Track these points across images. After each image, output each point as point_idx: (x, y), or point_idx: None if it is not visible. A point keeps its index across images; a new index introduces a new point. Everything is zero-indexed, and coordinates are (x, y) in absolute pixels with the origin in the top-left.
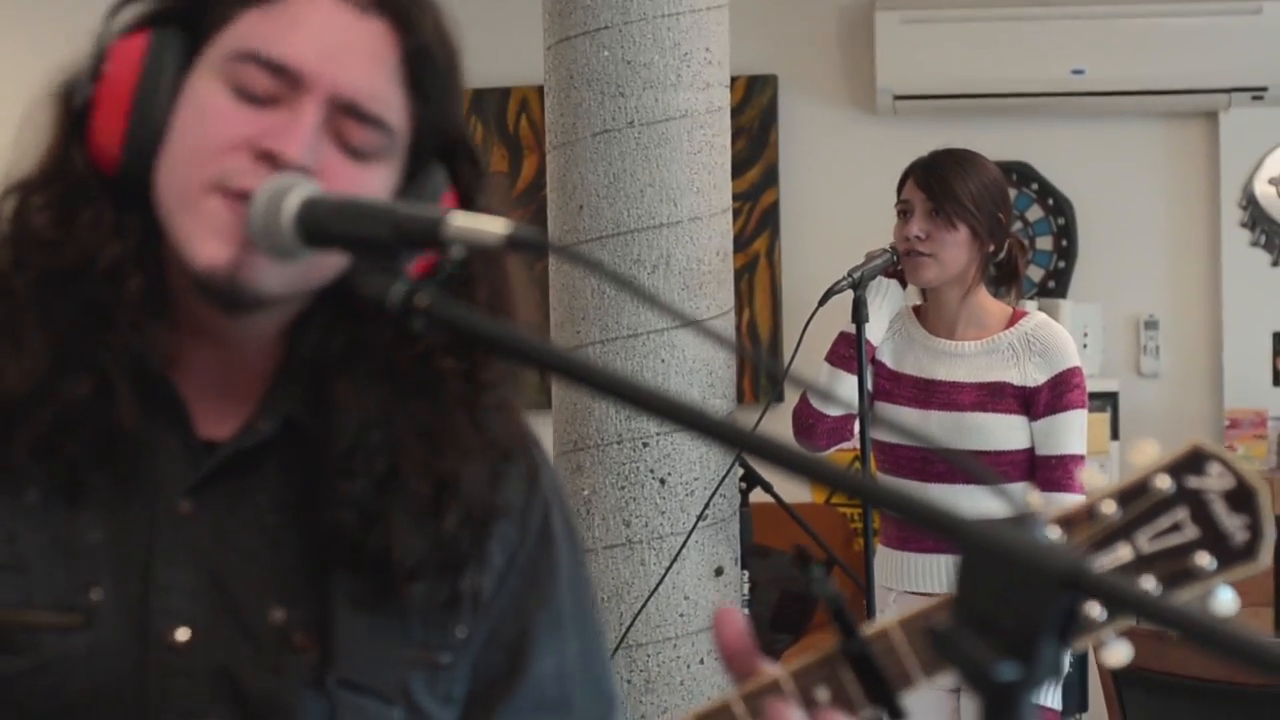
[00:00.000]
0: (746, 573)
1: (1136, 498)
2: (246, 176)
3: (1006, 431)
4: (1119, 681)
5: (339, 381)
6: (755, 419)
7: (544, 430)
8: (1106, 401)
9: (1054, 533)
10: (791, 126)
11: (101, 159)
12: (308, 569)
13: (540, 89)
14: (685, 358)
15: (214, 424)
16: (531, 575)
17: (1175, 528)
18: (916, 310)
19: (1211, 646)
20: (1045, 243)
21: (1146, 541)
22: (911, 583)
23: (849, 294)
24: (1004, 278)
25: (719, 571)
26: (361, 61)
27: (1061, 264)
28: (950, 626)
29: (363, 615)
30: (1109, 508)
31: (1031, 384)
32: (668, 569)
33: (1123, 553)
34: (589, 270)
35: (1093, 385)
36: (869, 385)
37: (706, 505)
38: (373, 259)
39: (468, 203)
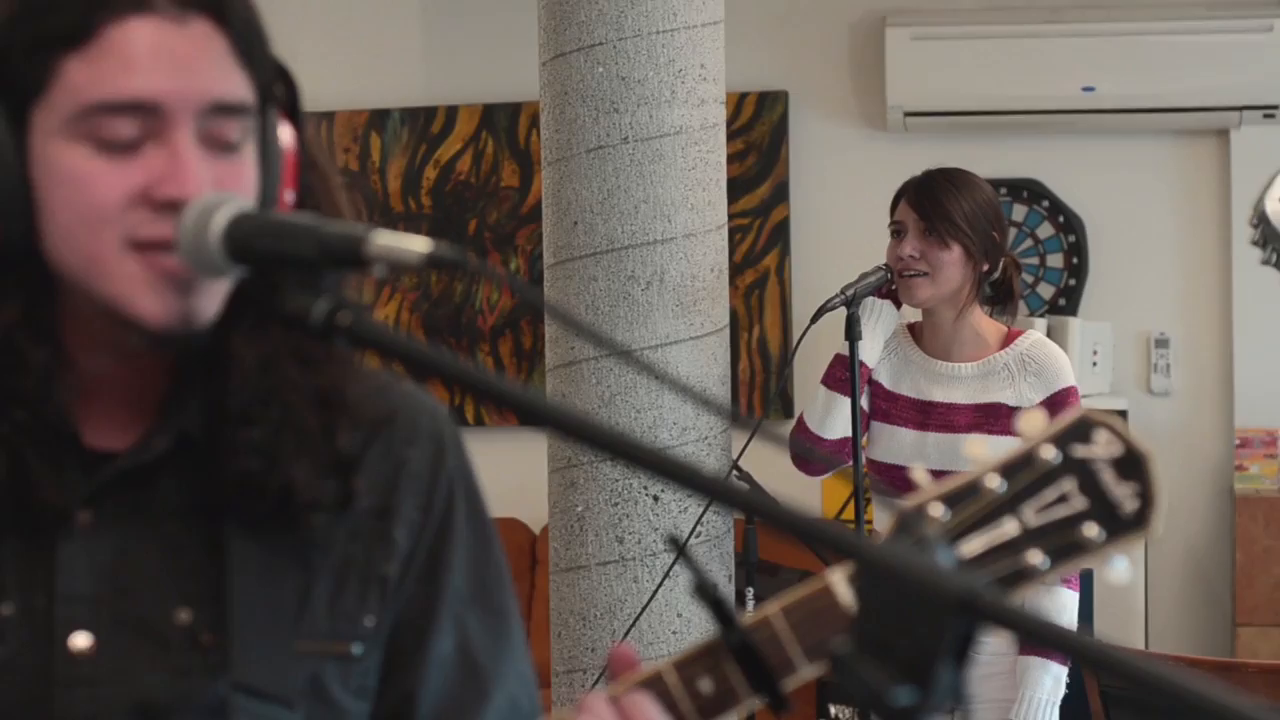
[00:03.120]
0: (751, 590)
1: (1021, 470)
2: (154, 225)
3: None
4: (1107, 701)
5: (233, 337)
6: (749, 438)
7: (538, 446)
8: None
9: (937, 510)
10: (802, 142)
11: None
12: (209, 570)
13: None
14: (679, 375)
15: (109, 433)
16: (434, 554)
17: (1062, 499)
18: (912, 329)
19: (1106, 670)
20: (1056, 260)
21: (1033, 515)
22: None
23: (842, 311)
24: (1000, 296)
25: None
26: (207, 63)
27: (1072, 281)
28: (848, 650)
29: (263, 611)
30: (993, 482)
31: (1026, 405)
32: (659, 585)
33: (1008, 527)
34: (511, 289)
35: (1102, 403)
36: (865, 405)
37: (697, 522)
38: (295, 274)
39: (294, 114)
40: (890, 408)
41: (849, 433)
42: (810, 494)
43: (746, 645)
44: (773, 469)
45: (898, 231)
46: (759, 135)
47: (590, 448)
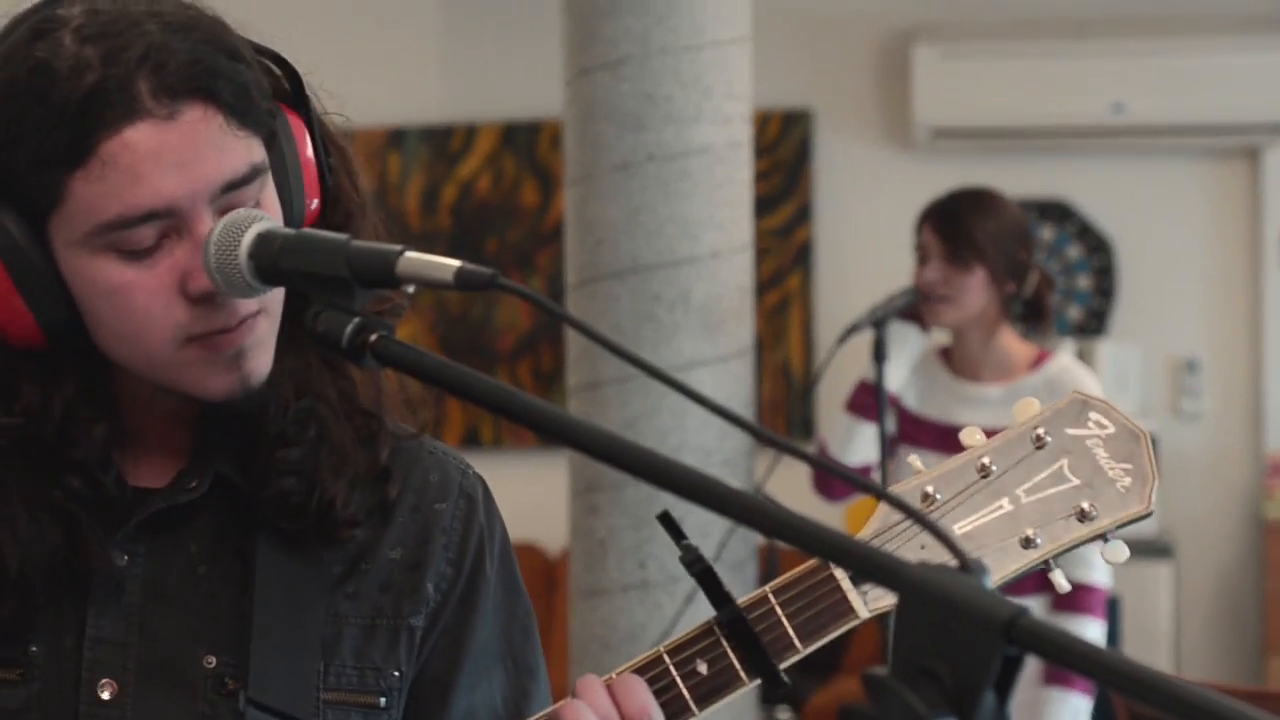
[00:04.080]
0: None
1: (1015, 450)
2: (203, 321)
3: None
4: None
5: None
6: (773, 461)
7: (560, 470)
8: None
9: (930, 489)
10: (826, 161)
11: (23, 342)
12: (237, 616)
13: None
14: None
15: (145, 472)
16: (463, 610)
17: (1056, 477)
18: (944, 352)
19: (1152, 703)
20: (1084, 281)
21: (1025, 494)
22: None
23: (868, 334)
24: (1032, 315)
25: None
26: (206, 151)
27: (1101, 303)
28: (887, 675)
29: (285, 654)
30: (986, 462)
31: None
32: (681, 611)
33: (1001, 507)
34: (538, 306)
35: None
36: (891, 428)
37: (721, 548)
38: (324, 294)
39: (299, 99)
40: (915, 431)
41: (869, 459)
42: (834, 514)
43: (741, 623)
44: (796, 495)
45: (922, 257)
46: (783, 154)
47: (620, 469)
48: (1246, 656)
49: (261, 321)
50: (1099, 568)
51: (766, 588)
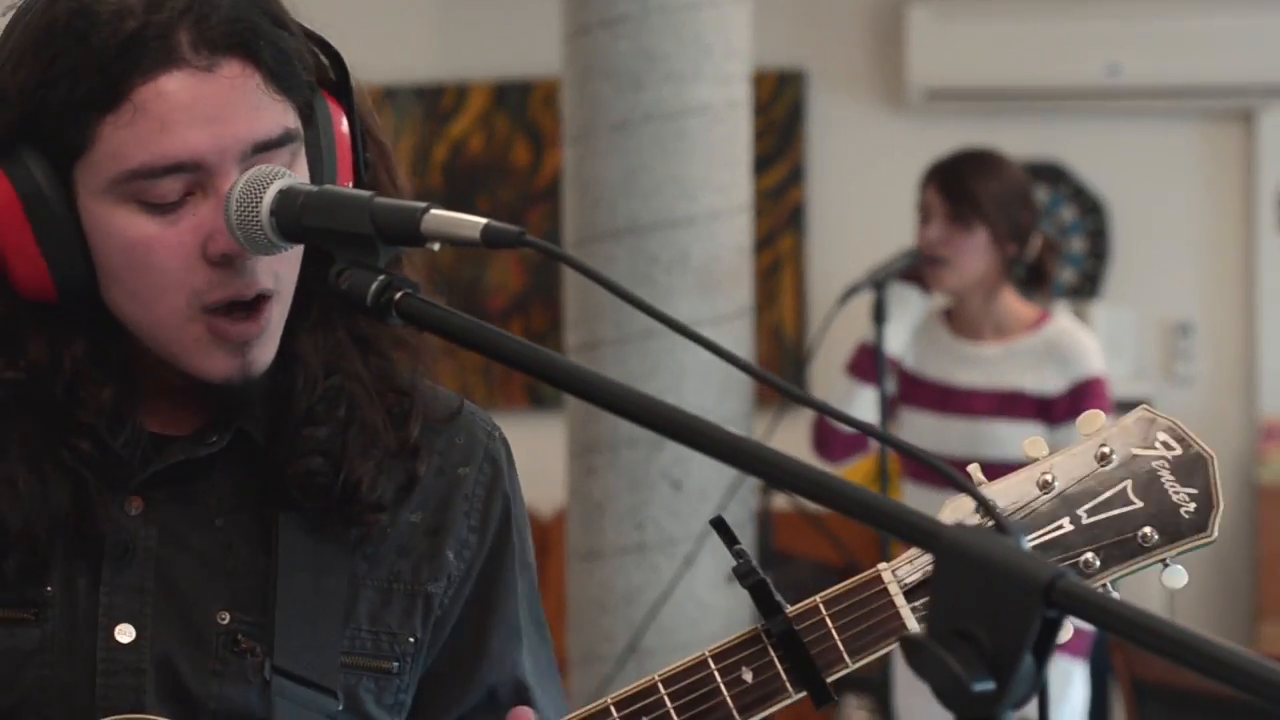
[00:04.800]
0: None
1: (1078, 468)
2: (218, 289)
3: (1022, 441)
4: (1140, 696)
5: (297, 338)
6: (771, 423)
7: (557, 430)
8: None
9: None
10: (820, 123)
11: (34, 294)
12: (256, 570)
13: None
14: (701, 359)
15: (166, 420)
16: (488, 582)
17: (1118, 499)
18: (946, 313)
19: (1203, 670)
20: (1078, 244)
21: (1087, 514)
22: None
23: (868, 295)
24: (1034, 278)
25: (732, 578)
26: (243, 107)
27: (1094, 266)
28: (923, 636)
29: (307, 617)
30: (1048, 478)
31: (1049, 391)
32: (679, 574)
33: (1063, 525)
34: (570, 266)
35: (1124, 391)
36: (891, 390)
37: (721, 509)
38: (348, 252)
39: (343, 90)
40: (914, 392)
41: (875, 421)
42: None
43: (790, 635)
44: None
45: (924, 215)
46: (776, 115)
47: (660, 433)
48: (1239, 621)
49: (273, 308)
50: None
51: (818, 598)
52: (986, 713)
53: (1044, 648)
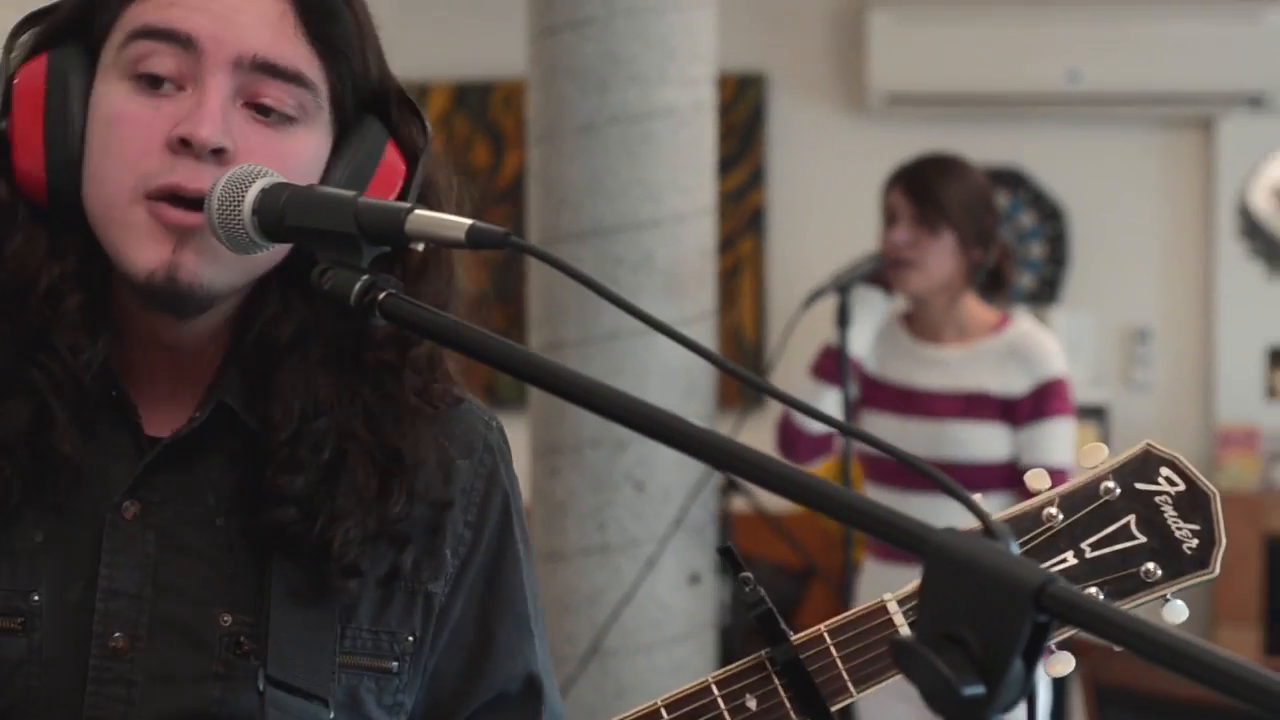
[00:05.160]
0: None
1: (1081, 501)
2: (164, 174)
3: (987, 442)
4: (1102, 700)
5: (283, 368)
6: (735, 426)
7: (519, 431)
8: (1097, 413)
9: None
10: (781, 126)
11: (29, 187)
12: (255, 571)
13: (524, 84)
14: (665, 361)
15: (166, 424)
16: (492, 576)
17: (1121, 533)
18: (905, 317)
19: (1190, 675)
20: (1037, 249)
21: (1090, 548)
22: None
23: (832, 299)
24: (992, 286)
25: (695, 579)
26: (260, 19)
27: (1054, 272)
28: (912, 640)
29: (303, 619)
30: (1051, 510)
31: (1013, 392)
32: (641, 575)
33: (1066, 559)
34: (555, 268)
35: (1083, 396)
36: (854, 393)
37: (684, 512)
38: (332, 252)
39: (411, 154)
40: (875, 395)
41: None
42: None
43: (795, 664)
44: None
45: (889, 219)
46: (737, 118)
47: (659, 440)
48: (1195, 625)
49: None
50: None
51: (822, 626)
52: (975, 716)
53: (1034, 652)
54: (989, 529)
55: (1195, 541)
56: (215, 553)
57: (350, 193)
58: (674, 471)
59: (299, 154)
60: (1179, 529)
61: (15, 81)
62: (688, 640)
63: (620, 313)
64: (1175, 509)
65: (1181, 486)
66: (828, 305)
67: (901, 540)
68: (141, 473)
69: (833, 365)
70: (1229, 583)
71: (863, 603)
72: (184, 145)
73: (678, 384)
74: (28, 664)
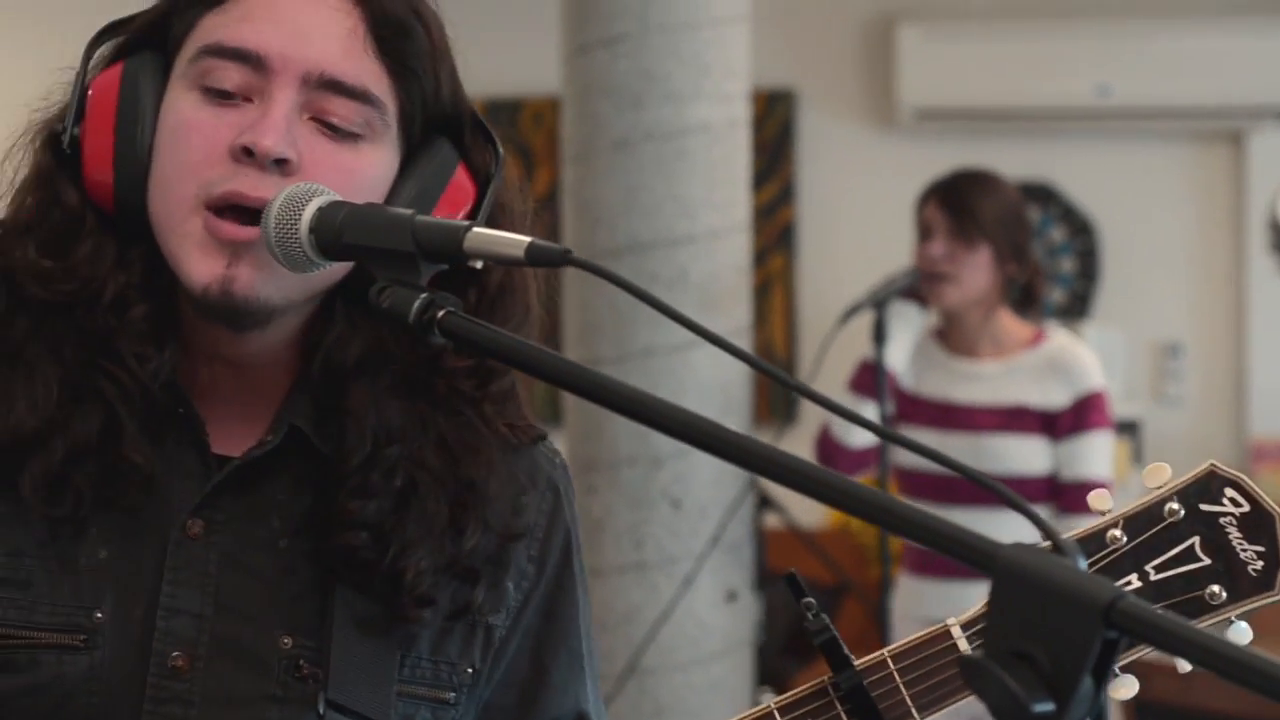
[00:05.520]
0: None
1: (1145, 523)
2: (226, 182)
3: (1028, 455)
4: (1142, 715)
5: (354, 391)
6: (771, 442)
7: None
8: (1129, 428)
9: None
10: (810, 142)
11: (98, 196)
12: (317, 595)
13: (553, 101)
14: (701, 377)
15: (235, 443)
16: (550, 613)
17: (1186, 555)
18: (939, 332)
19: (1265, 691)
20: (1068, 264)
21: (1154, 570)
22: (930, 610)
23: (868, 314)
24: (1024, 302)
25: (732, 596)
26: (329, 36)
27: (1084, 287)
28: (981, 657)
29: (365, 645)
30: (1116, 533)
31: (1054, 406)
32: (679, 593)
33: (1131, 581)
34: (614, 284)
35: (1115, 411)
36: (889, 411)
37: (721, 529)
38: (390, 270)
39: (482, 179)
40: (911, 411)
41: (874, 440)
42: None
43: (858, 690)
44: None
45: (925, 233)
46: (767, 134)
47: (737, 463)
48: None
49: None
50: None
51: (885, 652)
52: None
53: (1103, 669)
54: (1057, 545)
55: (1260, 564)
56: (277, 575)
57: (408, 211)
58: (710, 489)
59: (365, 170)
60: (1244, 551)
61: (90, 91)
62: (725, 658)
63: (656, 329)
64: (1240, 530)
65: (1246, 508)
66: (863, 321)
67: (969, 556)
68: (210, 492)
69: (870, 380)
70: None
71: (899, 618)
72: (246, 154)
73: (714, 400)
74: (89, 681)
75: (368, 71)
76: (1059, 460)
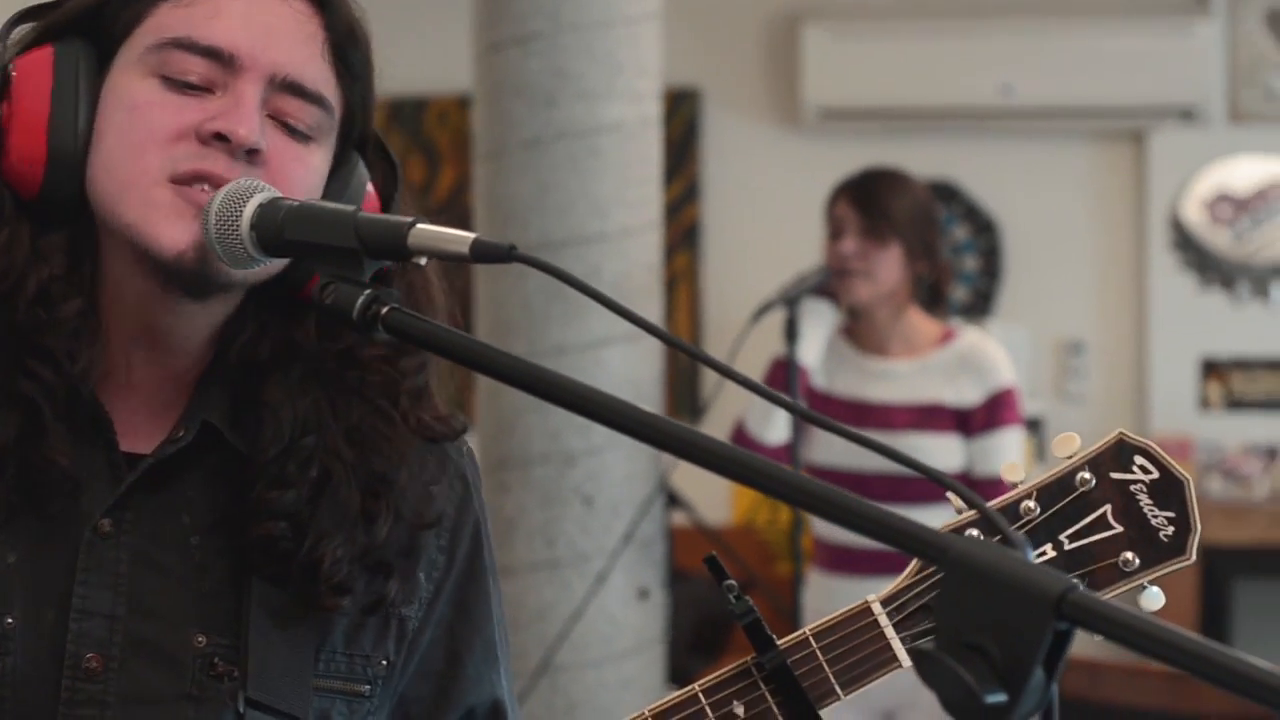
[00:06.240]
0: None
1: (1058, 493)
2: (195, 160)
3: (942, 454)
4: (1062, 712)
5: (268, 385)
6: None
7: None
8: (1032, 425)
9: (973, 532)
10: (715, 141)
11: (18, 181)
12: (231, 592)
13: (459, 99)
14: (613, 374)
15: (141, 438)
16: (462, 602)
17: (1099, 524)
18: (846, 330)
19: (1214, 680)
20: (971, 262)
21: (1068, 540)
22: (841, 606)
23: (779, 312)
24: (932, 300)
25: (644, 594)
26: (294, 39)
27: (987, 285)
28: (933, 649)
29: (282, 641)
30: (1029, 505)
31: (967, 403)
32: (591, 590)
33: (1045, 552)
34: (561, 280)
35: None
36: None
37: (634, 526)
38: (332, 266)
39: (386, 201)
40: (825, 409)
41: (787, 438)
42: (719, 494)
43: (784, 669)
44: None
45: (836, 230)
46: (671, 133)
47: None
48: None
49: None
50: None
51: (807, 630)
52: None
53: (1055, 660)
54: (1006, 537)
55: (1171, 529)
56: (190, 572)
57: (350, 207)
58: (622, 486)
59: (316, 170)
60: (1154, 517)
61: (13, 72)
62: (637, 655)
63: (568, 326)
64: (1150, 497)
65: (1155, 474)
66: (772, 320)
67: (919, 549)
68: (124, 491)
69: (783, 378)
70: (1164, 595)
71: (811, 614)
72: (217, 140)
73: (626, 396)
74: (1, 687)
75: (324, 77)
76: (971, 457)
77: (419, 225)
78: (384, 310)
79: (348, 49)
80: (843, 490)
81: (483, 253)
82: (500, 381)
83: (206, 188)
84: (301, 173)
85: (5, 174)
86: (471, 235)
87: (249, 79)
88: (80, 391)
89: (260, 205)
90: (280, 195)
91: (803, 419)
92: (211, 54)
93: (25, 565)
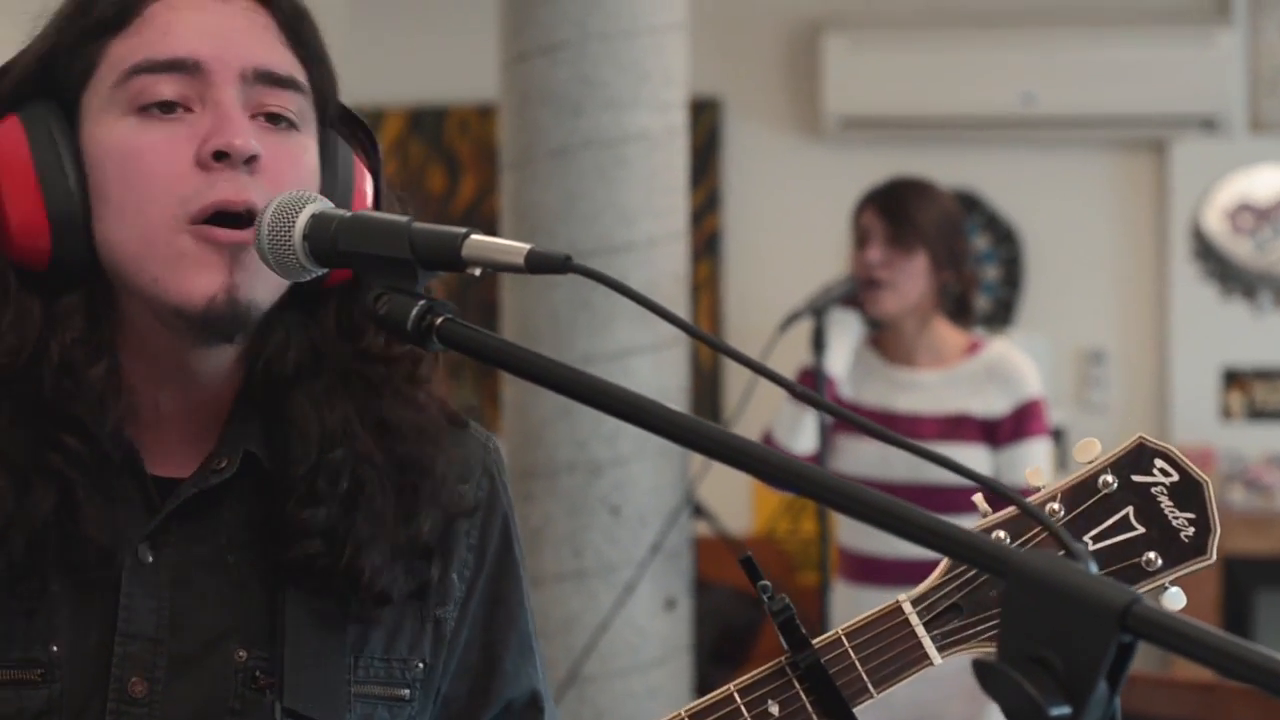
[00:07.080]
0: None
1: (1081, 495)
2: (206, 193)
3: (969, 464)
4: None
5: (294, 400)
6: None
7: None
8: (1054, 435)
9: (998, 535)
10: (736, 150)
11: (25, 256)
12: (269, 605)
13: (479, 108)
14: (638, 384)
15: (173, 462)
16: (495, 599)
17: (1121, 525)
18: (874, 340)
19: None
20: (992, 272)
21: (1092, 540)
22: None
23: (806, 322)
24: (958, 311)
25: (670, 604)
26: (250, 34)
27: (1008, 294)
28: (998, 662)
29: (319, 650)
30: (1054, 506)
31: (994, 414)
32: (619, 600)
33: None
34: (619, 292)
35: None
36: (828, 419)
37: (662, 536)
38: (385, 277)
39: (373, 173)
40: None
41: (815, 447)
42: (740, 505)
43: (818, 668)
44: (736, 482)
45: (862, 239)
46: (693, 142)
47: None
48: (1149, 646)
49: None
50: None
51: (839, 630)
52: None
53: (1118, 672)
54: (1068, 549)
55: (1192, 530)
56: (228, 589)
57: (404, 218)
58: (649, 496)
59: (308, 160)
60: (1175, 518)
61: None
62: (664, 665)
63: (593, 336)
64: (1171, 499)
65: (1175, 477)
66: (800, 329)
67: (979, 561)
68: (162, 518)
69: (812, 388)
70: (1187, 605)
71: (837, 624)
72: (217, 159)
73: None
74: (48, 714)
75: (289, 61)
76: (998, 467)
77: (473, 236)
78: (438, 321)
79: (302, 32)
80: (901, 500)
81: (538, 263)
82: (558, 393)
83: (226, 225)
84: (297, 165)
85: (11, 251)
86: (526, 246)
87: (222, 83)
88: (109, 454)
89: (313, 215)
90: (331, 205)
91: (836, 417)
92: (176, 66)
93: (68, 593)
